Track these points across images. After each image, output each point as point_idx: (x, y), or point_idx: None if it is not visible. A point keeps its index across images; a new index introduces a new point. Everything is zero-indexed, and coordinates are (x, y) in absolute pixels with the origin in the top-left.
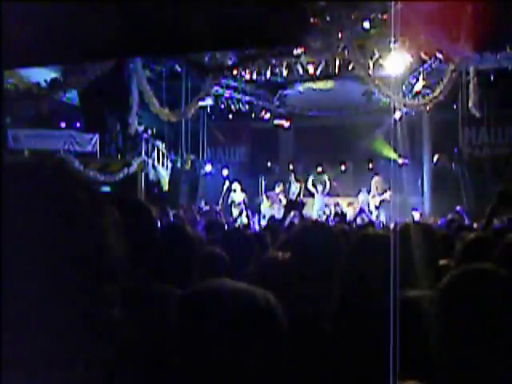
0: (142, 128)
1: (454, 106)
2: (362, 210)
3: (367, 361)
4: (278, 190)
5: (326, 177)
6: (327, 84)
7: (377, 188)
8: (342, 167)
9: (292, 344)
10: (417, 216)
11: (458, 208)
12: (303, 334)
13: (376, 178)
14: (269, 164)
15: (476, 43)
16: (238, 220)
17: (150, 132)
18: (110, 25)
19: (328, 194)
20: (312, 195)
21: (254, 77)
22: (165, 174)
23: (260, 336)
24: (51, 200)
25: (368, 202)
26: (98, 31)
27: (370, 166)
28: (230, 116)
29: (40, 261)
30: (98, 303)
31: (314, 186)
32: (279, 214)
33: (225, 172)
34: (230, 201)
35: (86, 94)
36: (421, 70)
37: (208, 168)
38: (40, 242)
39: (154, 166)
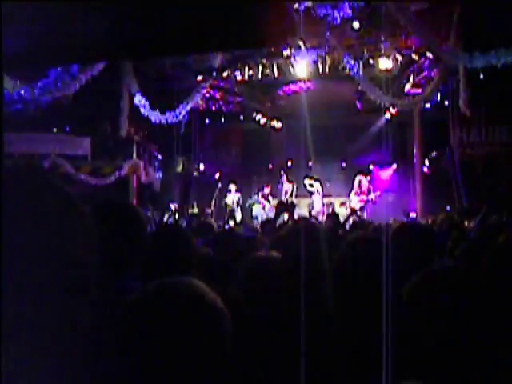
0: (133, 131)
1: (446, 104)
2: (354, 210)
3: (361, 361)
4: (266, 190)
5: (318, 177)
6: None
7: (360, 187)
8: (335, 167)
9: (282, 343)
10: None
11: (447, 207)
12: (294, 333)
13: (359, 177)
14: (260, 165)
15: (465, 41)
16: (231, 221)
17: (141, 135)
18: (100, 28)
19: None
20: (305, 196)
21: (245, 78)
22: (157, 177)
23: (200, 335)
24: (15, 202)
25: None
26: (88, 34)
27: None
28: (221, 117)
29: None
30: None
31: (311, 185)
32: (271, 215)
33: (217, 173)
34: (224, 202)
35: (77, 98)
36: (411, 69)
37: (201, 168)
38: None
39: (145, 169)
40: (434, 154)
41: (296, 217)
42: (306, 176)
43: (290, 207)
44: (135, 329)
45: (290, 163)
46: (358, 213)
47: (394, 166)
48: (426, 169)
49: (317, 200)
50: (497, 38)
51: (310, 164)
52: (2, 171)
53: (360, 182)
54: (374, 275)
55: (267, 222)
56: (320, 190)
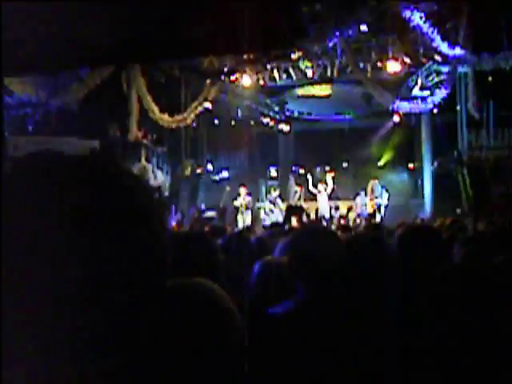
0: (141, 134)
1: (458, 108)
2: (360, 214)
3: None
4: (275, 194)
5: (327, 177)
6: (325, 90)
7: (373, 191)
8: (342, 170)
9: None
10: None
11: (458, 211)
12: (306, 340)
13: (373, 181)
14: (269, 168)
15: (474, 44)
16: (241, 224)
17: (150, 138)
18: (108, 31)
19: (329, 197)
20: (313, 199)
21: (253, 81)
22: (165, 180)
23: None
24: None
25: (365, 205)
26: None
27: (370, 168)
28: (230, 121)
29: None
30: None
31: (315, 186)
32: (280, 218)
33: (225, 177)
34: (233, 205)
35: (86, 101)
36: (419, 72)
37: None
38: None
39: (153, 172)
40: (443, 157)
41: (305, 220)
42: (312, 178)
43: (298, 211)
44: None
45: (298, 167)
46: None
47: (404, 168)
48: (435, 172)
49: (323, 202)
50: (505, 41)
51: (318, 168)
52: (1, 171)
53: (372, 186)
54: (380, 277)
55: (275, 226)
56: (324, 191)
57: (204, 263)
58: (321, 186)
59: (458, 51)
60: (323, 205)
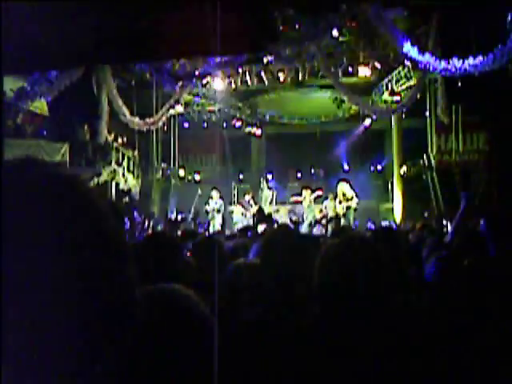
0: (112, 137)
1: (427, 113)
2: (326, 217)
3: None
4: (247, 197)
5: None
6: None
7: (343, 194)
8: (314, 174)
9: (263, 349)
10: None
11: (425, 214)
12: (275, 339)
13: (342, 184)
14: (241, 171)
15: (443, 49)
16: (212, 227)
17: (120, 141)
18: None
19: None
20: (285, 203)
21: (226, 84)
22: (136, 183)
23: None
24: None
25: (334, 209)
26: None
27: (340, 172)
28: (202, 124)
29: None
30: None
31: (299, 194)
32: (251, 221)
33: (197, 180)
34: (205, 208)
35: (55, 103)
36: (389, 77)
37: (181, 174)
38: None
39: (124, 176)
40: (412, 161)
41: (276, 225)
42: (289, 182)
43: (267, 219)
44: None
45: (270, 170)
46: (342, 219)
47: (374, 172)
48: (404, 176)
49: (306, 207)
50: (474, 46)
51: (291, 171)
52: (1, 171)
53: (342, 189)
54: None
55: (247, 229)
56: (308, 197)
57: (167, 267)
58: (305, 192)
59: (427, 57)
60: (306, 210)
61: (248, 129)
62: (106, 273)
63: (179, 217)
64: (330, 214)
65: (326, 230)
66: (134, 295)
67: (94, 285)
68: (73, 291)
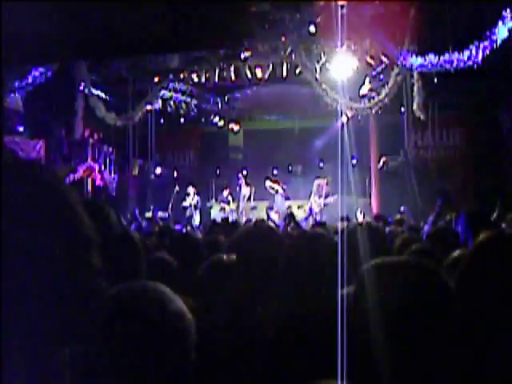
0: (88, 133)
1: (403, 108)
2: (311, 213)
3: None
4: (225, 193)
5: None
6: None
7: (319, 191)
8: (292, 170)
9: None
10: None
11: (402, 208)
12: (253, 339)
13: (317, 181)
14: (218, 167)
15: (419, 46)
16: (189, 224)
17: (96, 137)
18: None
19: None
20: (263, 199)
21: (202, 80)
22: (112, 180)
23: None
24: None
25: (312, 205)
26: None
27: (317, 168)
28: (179, 120)
29: None
30: None
31: (272, 187)
32: (231, 217)
33: (174, 176)
34: (182, 205)
35: (30, 99)
36: (367, 73)
37: (158, 171)
38: None
39: (100, 172)
40: (389, 156)
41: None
42: (267, 178)
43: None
44: (102, 329)
45: (248, 166)
46: (317, 215)
47: (351, 168)
48: (381, 171)
49: (280, 201)
50: (450, 42)
51: (270, 167)
52: (1, 171)
53: (319, 185)
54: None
55: (224, 224)
56: (281, 191)
57: (127, 263)
58: (276, 186)
59: (403, 53)
60: (280, 203)
61: (226, 124)
62: (71, 259)
63: (160, 214)
64: (316, 210)
65: (286, 227)
66: (97, 282)
67: (61, 271)
68: (42, 276)
